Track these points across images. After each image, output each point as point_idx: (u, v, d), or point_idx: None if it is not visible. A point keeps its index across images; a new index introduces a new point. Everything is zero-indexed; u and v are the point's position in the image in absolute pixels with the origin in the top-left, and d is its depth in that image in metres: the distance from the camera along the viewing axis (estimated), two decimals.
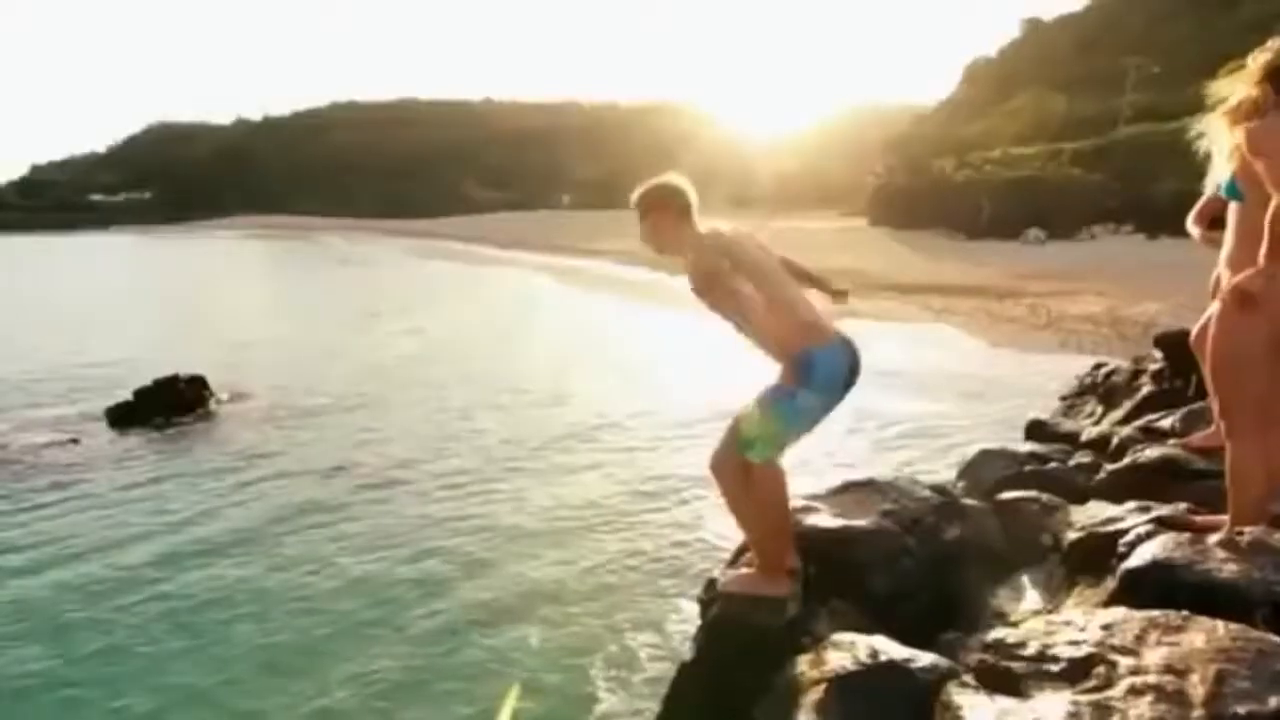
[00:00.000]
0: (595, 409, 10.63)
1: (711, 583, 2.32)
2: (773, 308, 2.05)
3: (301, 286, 33.00)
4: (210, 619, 5.51)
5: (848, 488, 2.59)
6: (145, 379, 11.08)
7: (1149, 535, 2.00)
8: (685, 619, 5.17)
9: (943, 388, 11.26)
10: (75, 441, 9.72)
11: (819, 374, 2.02)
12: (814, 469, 7.05)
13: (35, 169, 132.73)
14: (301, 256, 49.46)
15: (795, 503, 2.38)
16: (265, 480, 8.29)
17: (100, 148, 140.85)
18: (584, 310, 21.42)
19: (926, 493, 2.57)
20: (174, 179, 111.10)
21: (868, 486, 2.58)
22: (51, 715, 4.54)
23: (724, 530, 6.63)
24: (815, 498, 2.54)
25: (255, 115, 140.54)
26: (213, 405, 11.34)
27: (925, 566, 2.29)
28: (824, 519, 2.38)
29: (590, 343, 16.49)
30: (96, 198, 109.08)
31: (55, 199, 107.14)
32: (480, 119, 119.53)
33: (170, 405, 10.82)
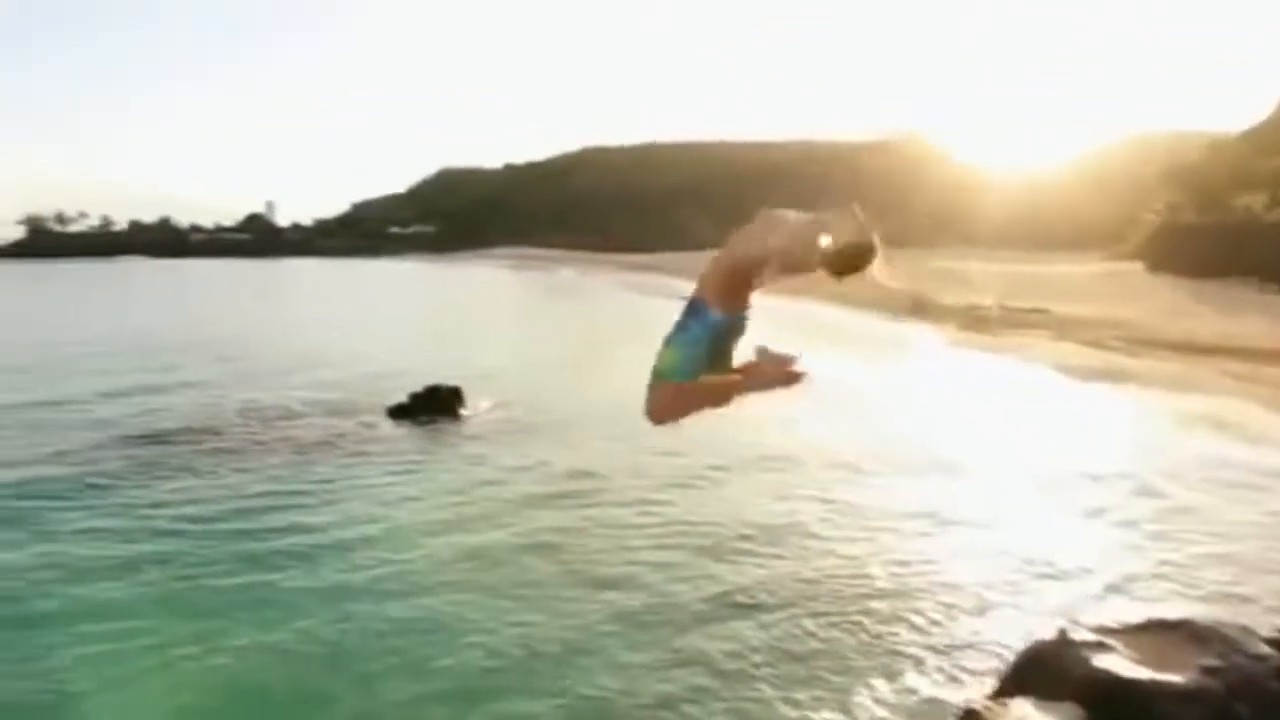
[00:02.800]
0: (795, 442, 10.42)
1: (971, 715, 2.04)
2: None
3: (535, 313, 37.00)
4: (455, 581, 6.36)
5: (1151, 627, 2.08)
6: (418, 385, 13.38)
7: None
8: (878, 699, 4.81)
9: (1249, 486, 8.81)
10: (371, 427, 12.33)
11: None
12: (1092, 587, 6.19)
13: (355, 205, 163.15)
14: (539, 286, 55.16)
15: (1080, 634, 1.96)
16: (500, 470, 9.76)
17: (402, 188, 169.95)
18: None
19: (1265, 649, 2.00)
20: (452, 215, 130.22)
21: (1180, 629, 2.04)
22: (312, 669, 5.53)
23: (948, 603, 6.11)
24: (1107, 631, 2.07)
25: (519, 160, 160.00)
26: (464, 411, 13.23)
27: None
28: (1121, 663, 1.90)
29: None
30: (395, 230, 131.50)
31: (366, 230, 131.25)
32: (714, 159, 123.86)
33: (434, 408, 12.99)
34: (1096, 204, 54.51)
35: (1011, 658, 5.02)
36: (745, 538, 7.44)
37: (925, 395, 14.59)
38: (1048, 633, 4.31)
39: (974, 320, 24.11)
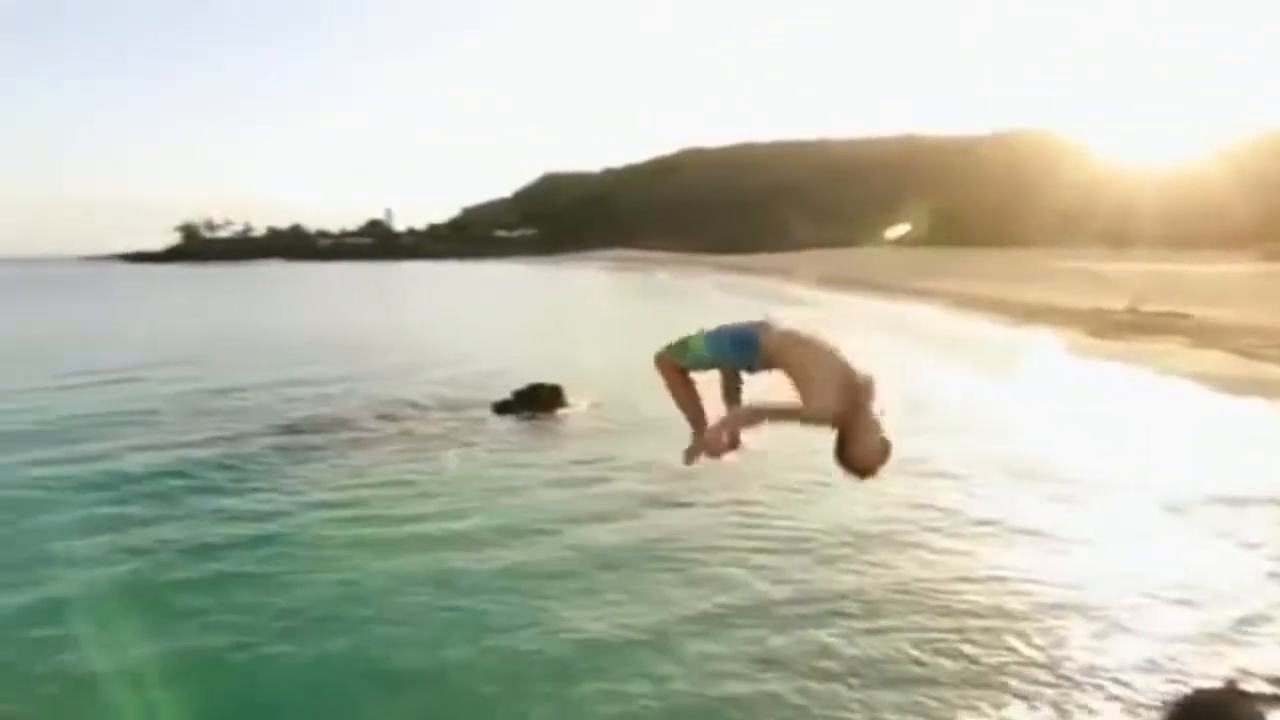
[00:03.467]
0: (902, 451, 10.01)
1: None
2: None
3: (633, 315, 37.55)
4: (553, 571, 6.61)
5: None
6: (520, 383, 14.05)
7: None
8: None
9: None
10: (478, 421, 13.10)
11: None
12: (1232, 620, 5.63)
13: (464, 210, 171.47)
14: (634, 287, 56.06)
15: (1254, 685, 1.78)
16: (597, 469, 10.07)
17: (508, 193, 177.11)
18: (884, 360, 19.45)
19: None
20: (554, 219, 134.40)
21: None
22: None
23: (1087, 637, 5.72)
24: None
25: (619, 163, 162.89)
26: (564, 409, 13.75)
27: None
28: None
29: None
30: (501, 233, 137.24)
31: (474, 234, 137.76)
32: (814, 158, 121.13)
33: (535, 404, 13.64)
34: (1246, 199, 48.97)
35: (1140, 698, 4.66)
36: (844, 544, 7.29)
37: (1041, 406, 13.64)
38: (1211, 681, 3.94)
39: (1102, 325, 22.27)
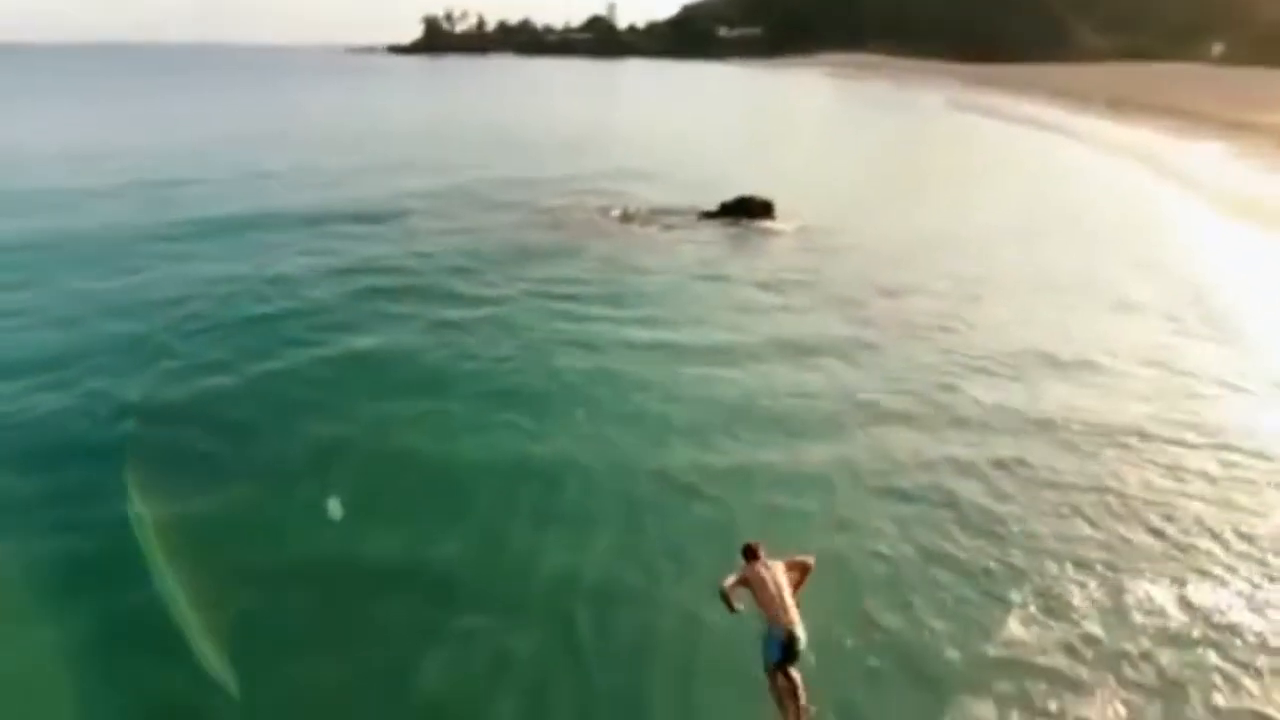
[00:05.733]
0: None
1: None
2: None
3: (846, 128, 34.23)
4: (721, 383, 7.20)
5: None
6: (729, 194, 14.54)
7: None
8: None
9: None
10: (683, 229, 13.78)
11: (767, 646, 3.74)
12: None
13: (684, 7, 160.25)
14: (855, 98, 50.33)
15: None
16: (785, 279, 10.57)
17: None
18: (1145, 220, 15.24)
19: None
20: (780, 16, 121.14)
21: None
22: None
23: None
24: None
25: None
26: (772, 223, 13.95)
27: None
28: None
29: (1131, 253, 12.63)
30: (722, 32, 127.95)
31: (694, 31, 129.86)
32: None
33: (744, 214, 14.18)
34: None
35: None
36: (1073, 432, 6.60)
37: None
38: None
39: None
